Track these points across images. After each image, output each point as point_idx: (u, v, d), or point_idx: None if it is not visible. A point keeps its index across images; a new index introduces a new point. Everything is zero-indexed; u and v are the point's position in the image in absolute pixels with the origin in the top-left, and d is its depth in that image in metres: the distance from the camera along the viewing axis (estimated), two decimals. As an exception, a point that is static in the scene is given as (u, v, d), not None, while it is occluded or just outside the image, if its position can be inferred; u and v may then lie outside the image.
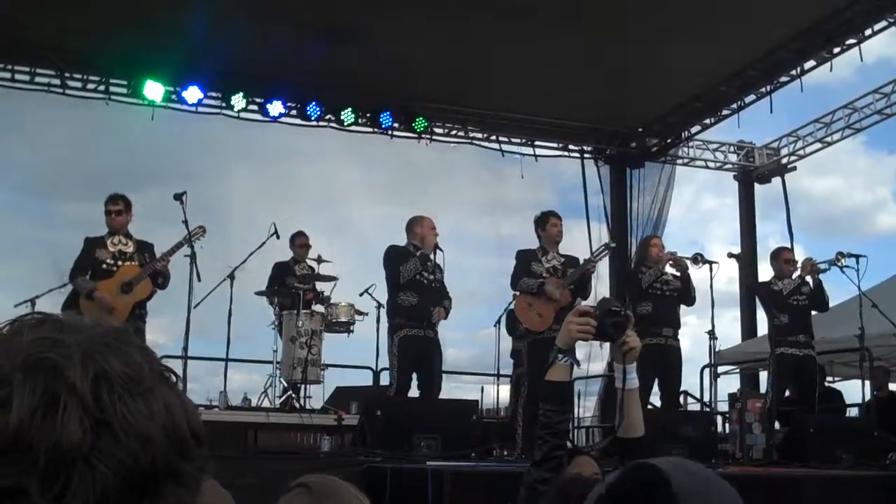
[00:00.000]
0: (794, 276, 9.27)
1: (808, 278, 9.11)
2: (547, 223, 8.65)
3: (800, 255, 9.83)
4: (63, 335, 0.77)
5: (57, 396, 0.73)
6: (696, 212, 22.00)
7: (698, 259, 8.90)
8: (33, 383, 0.73)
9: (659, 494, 1.21)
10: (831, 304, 10.16)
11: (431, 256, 8.26)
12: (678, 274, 8.94)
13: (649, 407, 8.90)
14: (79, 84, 11.38)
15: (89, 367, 0.75)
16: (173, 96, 11.49)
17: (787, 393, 9.45)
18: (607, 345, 3.04)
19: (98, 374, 0.75)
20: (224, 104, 11.73)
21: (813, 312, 9.22)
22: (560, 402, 3.00)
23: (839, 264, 8.96)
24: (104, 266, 7.90)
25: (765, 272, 9.82)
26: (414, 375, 8.36)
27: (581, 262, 8.69)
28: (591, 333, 2.92)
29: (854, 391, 11.50)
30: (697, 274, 8.94)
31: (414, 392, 8.34)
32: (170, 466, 0.77)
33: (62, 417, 0.73)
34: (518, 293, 8.52)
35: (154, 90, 11.21)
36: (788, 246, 9.95)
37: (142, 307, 7.99)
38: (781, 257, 9.46)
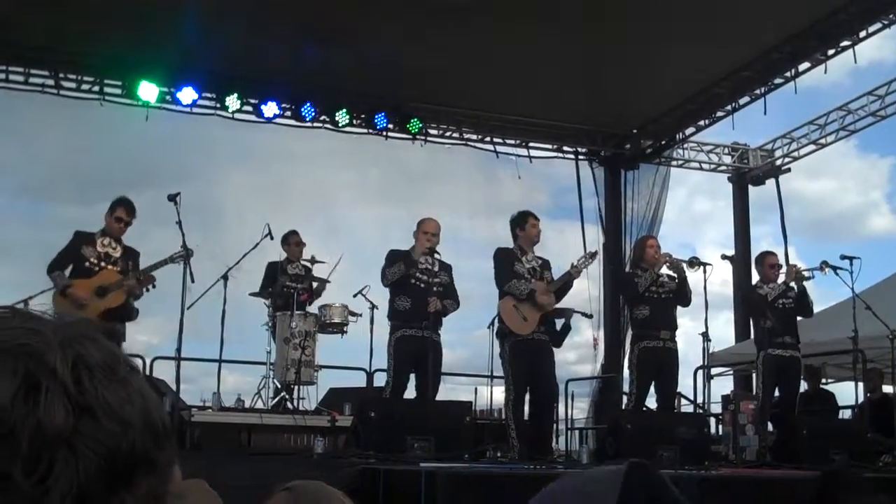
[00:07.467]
0: (780, 279, 9.29)
1: (793, 284, 9.13)
2: (526, 223, 8.49)
3: (793, 258, 9.86)
4: (37, 325, 0.78)
5: (38, 381, 0.74)
6: (690, 214, 22.05)
7: (694, 263, 8.89)
8: (13, 368, 0.74)
9: None
10: (825, 307, 10.17)
11: (429, 259, 8.23)
12: (674, 275, 8.91)
13: (644, 409, 8.90)
14: (73, 85, 11.35)
15: (68, 353, 0.76)
16: (168, 97, 11.46)
17: (778, 394, 9.46)
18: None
19: (77, 360, 0.76)
20: (218, 105, 11.71)
21: (798, 318, 9.25)
22: None
23: (824, 273, 9.01)
24: (87, 264, 7.72)
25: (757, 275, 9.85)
26: (413, 377, 8.31)
27: (559, 266, 8.61)
28: None
29: (847, 393, 11.53)
30: (692, 276, 8.96)
31: (411, 393, 8.27)
32: (146, 454, 0.78)
33: (45, 401, 0.73)
34: (506, 293, 8.39)
35: (148, 91, 11.20)
36: (773, 250, 9.95)
37: (116, 312, 7.68)
38: (766, 262, 9.48)
